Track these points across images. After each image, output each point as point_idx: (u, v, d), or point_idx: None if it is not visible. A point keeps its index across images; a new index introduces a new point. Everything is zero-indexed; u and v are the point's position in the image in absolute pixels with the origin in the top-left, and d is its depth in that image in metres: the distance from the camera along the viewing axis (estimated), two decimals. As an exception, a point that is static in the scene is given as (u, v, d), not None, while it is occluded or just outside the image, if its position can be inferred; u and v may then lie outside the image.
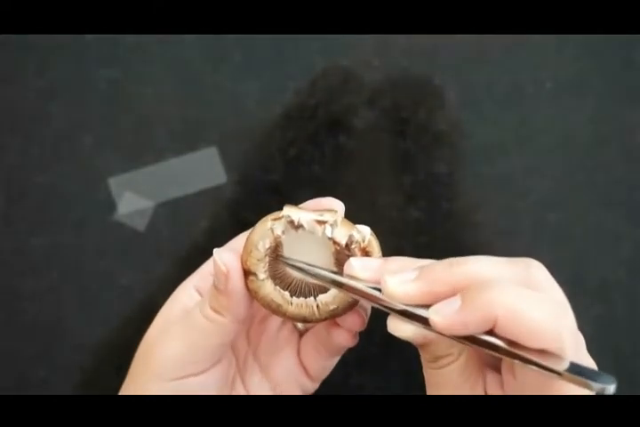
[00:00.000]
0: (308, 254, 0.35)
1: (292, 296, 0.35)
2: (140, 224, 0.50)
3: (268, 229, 0.34)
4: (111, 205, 0.50)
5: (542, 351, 0.28)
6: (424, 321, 0.30)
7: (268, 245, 0.34)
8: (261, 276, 0.35)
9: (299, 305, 0.35)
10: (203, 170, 0.50)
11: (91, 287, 0.50)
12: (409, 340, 0.31)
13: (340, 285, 0.33)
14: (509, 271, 0.30)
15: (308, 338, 0.39)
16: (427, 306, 0.30)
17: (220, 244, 0.50)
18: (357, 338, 0.37)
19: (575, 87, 0.50)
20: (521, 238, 0.50)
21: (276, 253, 0.35)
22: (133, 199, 0.50)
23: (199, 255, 0.50)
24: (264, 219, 0.35)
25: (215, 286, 0.35)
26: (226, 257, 0.35)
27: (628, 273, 0.51)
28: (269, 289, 0.35)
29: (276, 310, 0.35)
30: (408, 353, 0.50)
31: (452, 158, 0.50)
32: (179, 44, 0.49)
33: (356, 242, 0.34)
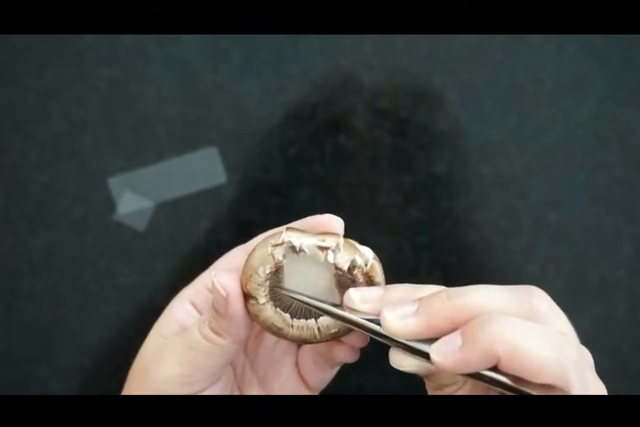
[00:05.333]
0: (309, 275, 0.35)
1: (292, 318, 0.35)
2: (140, 224, 0.50)
3: (269, 254, 0.33)
4: (111, 205, 0.50)
5: (547, 385, 0.28)
6: (426, 355, 0.30)
7: (268, 271, 0.34)
8: (262, 300, 0.34)
9: (300, 328, 0.35)
10: (203, 170, 0.50)
11: (90, 287, 0.50)
12: (412, 373, 0.31)
13: (339, 318, 0.33)
14: (510, 303, 0.29)
15: (306, 350, 0.39)
16: (429, 340, 0.30)
17: (220, 244, 0.50)
18: (359, 353, 0.37)
19: (575, 87, 0.50)
20: (521, 238, 0.50)
21: (276, 277, 0.34)
22: (133, 199, 0.50)
23: (199, 255, 0.50)
24: (264, 242, 0.34)
25: (215, 309, 0.34)
26: (224, 281, 0.34)
27: (628, 273, 0.51)
28: (270, 313, 0.34)
29: (276, 333, 0.35)
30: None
31: (451, 158, 0.50)
32: (179, 44, 0.49)
33: (359, 267, 0.34)
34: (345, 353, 0.36)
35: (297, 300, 0.34)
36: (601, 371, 0.30)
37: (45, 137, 0.50)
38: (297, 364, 0.39)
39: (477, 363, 0.28)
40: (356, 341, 0.36)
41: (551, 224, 0.50)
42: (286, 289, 0.35)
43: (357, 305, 0.32)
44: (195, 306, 0.38)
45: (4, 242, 0.50)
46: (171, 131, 0.50)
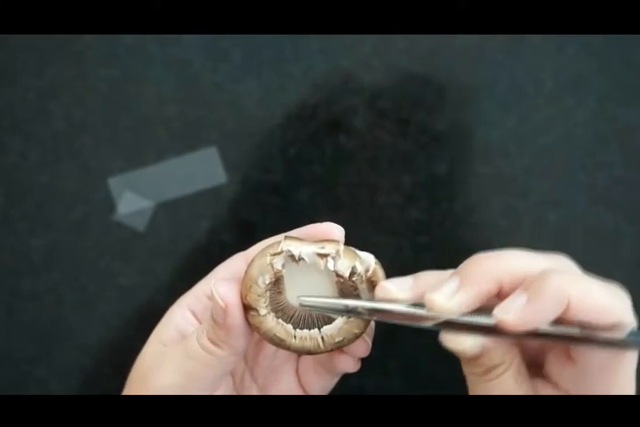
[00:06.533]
0: (310, 284, 0.34)
1: (295, 329, 0.34)
2: (140, 224, 0.50)
3: (268, 264, 0.33)
4: (111, 205, 0.50)
5: (613, 326, 0.29)
6: (481, 330, 0.29)
7: (268, 281, 0.33)
8: (262, 311, 0.33)
9: (303, 338, 0.34)
10: (203, 170, 0.50)
11: (90, 287, 0.50)
12: (465, 352, 0.30)
13: (376, 311, 0.32)
14: (554, 263, 0.31)
15: (306, 358, 0.38)
16: (479, 313, 0.30)
17: (221, 244, 0.50)
18: (360, 363, 0.36)
19: (575, 87, 0.50)
20: (521, 238, 0.50)
21: (277, 287, 0.34)
22: (133, 199, 0.50)
23: (199, 255, 0.50)
24: (263, 252, 0.33)
25: (213, 319, 0.34)
26: (223, 291, 0.33)
27: (628, 273, 0.51)
28: (271, 324, 0.34)
29: (279, 344, 0.34)
30: (408, 353, 0.50)
31: (452, 158, 0.50)
32: (179, 44, 0.49)
33: (359, 274, 0.33)
34: (346, 363, 0.36)
35: (320, 308, 0.34)
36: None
37: (45, 137, 0.50)
38: (297, 372, 0.38)
39: (548, 312, 0.28)
40: (359, 350, 0.35)
41: (551, 224, 0.50)
42: (305, 302, 0.34)
43: (395, 294, 0.32)
44: (194, 313, 0.37)
45: (4, 242, 0.50)
46: (171, 131, 0.50)
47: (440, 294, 0.30)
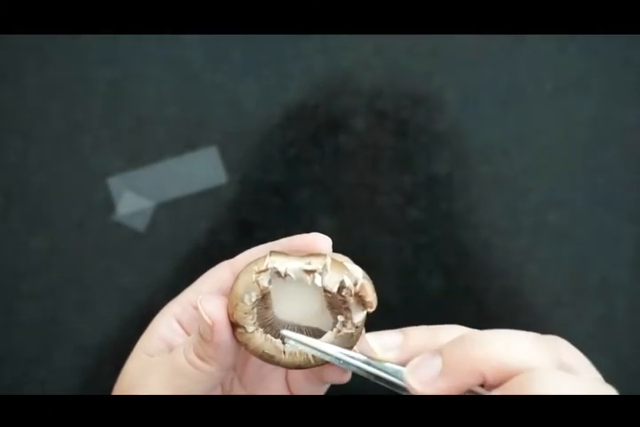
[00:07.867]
0: (298, 298, 0.34)
1: (284, 344, 0.34)
2: (140, 224, 0.50)
3: (254, 281, 0.32)
4: (111, 205, 0.50)
5: None
6: None
7: (254, 298, 0.32)
8: (250, 328, 0.33)
9: (292, 354, 0.34)
10: (203, 170, 0.50)
11: (91, 287, 0.50)
12: None
13: (360, 369, 0.32)
14: (541, 354, 0.28)
15: None
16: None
17: (220, 244, 0.50)
18: (350, 374, 0.35)
19: (575, 87, 0.50)
20: (521, 238, 0.50)
21: (264, 302, 0.33)
22: (133, 199, 0.50)
23: (199, 255, 0.50)
24: (248, 268, 0.33)
25: (201, 335, 0.33)
26: (209, 308, 0.32)
27: (629, 273, 0.51)
28: (260, 340, 0.33)
29: (268, 360, 0.34)
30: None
31: (451, 158, 0.50)
32: (179, 44, 0.49)
33: (348, 288, 0.32)
34: (336, 375, 0.35)
35: (302, 343, 0.33)
36: (601, 371, 0.30)
37: (45, 137, 0.50)
38: (287, 379, 0.38)
39: None
40: None
41: (551, 224, 0.50)
42: (289, 335, 0.33)
43: (379, 355, 0.31)
44: (180, 323, 0.37)
45: (4, 242, 0.50)
46: (171, 131, 0.50)
47: (420, 378, 0.30)
